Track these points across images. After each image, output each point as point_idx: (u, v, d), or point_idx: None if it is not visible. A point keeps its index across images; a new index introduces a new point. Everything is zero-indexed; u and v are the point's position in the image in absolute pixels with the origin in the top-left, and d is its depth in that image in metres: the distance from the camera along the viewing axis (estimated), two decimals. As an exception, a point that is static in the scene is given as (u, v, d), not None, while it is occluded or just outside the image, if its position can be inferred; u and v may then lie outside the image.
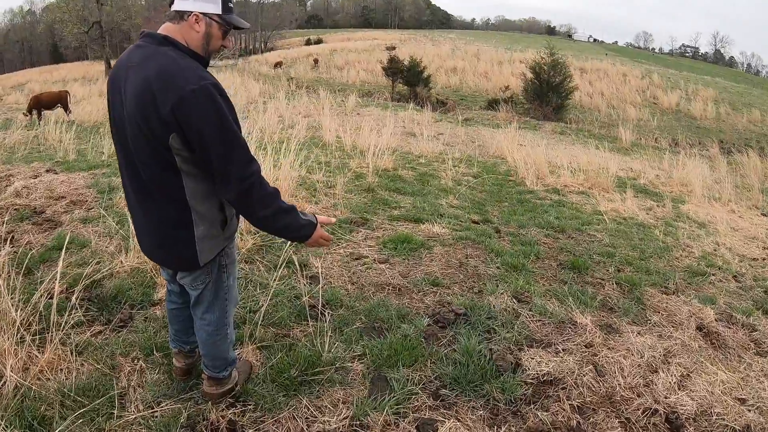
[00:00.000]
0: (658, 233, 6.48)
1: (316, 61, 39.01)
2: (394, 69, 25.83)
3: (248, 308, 3.64)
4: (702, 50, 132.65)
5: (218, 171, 2.04)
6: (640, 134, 19.58)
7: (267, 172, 5.57)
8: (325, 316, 3.59)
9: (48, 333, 2.95)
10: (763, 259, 6.18)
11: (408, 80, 25.63)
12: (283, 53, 49.58)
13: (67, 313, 3.15)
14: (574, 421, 2.81)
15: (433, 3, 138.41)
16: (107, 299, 3.63)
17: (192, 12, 2.10)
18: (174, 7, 2.11)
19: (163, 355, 3.05)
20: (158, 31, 2.13)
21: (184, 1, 2.10)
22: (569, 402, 2.95)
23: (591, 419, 2.86)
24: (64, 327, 3.05)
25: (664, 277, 5.04)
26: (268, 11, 79.12)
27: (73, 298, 3.30)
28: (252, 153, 2.13)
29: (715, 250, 6.23)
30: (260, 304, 3.65)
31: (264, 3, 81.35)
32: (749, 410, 3.06)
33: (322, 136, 10.76)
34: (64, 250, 3.42)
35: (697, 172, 10.17)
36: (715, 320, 4.19)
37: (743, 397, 3.19)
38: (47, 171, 7.08)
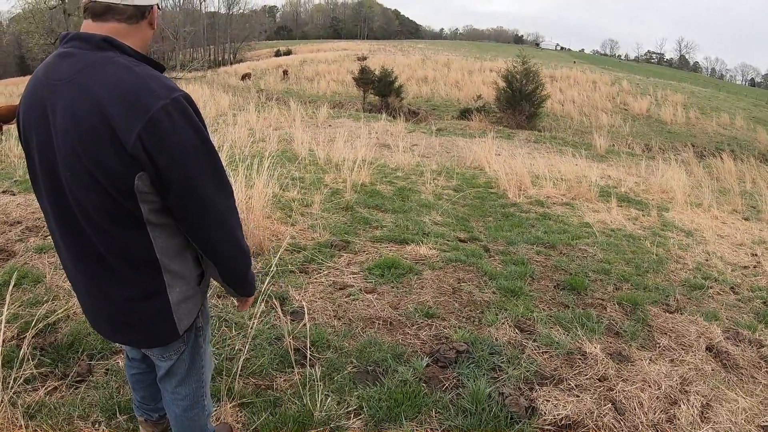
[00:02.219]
0: (648, 245, 6.30)
1: (285, 72, 38.66)
2: (365, 79, 25.59)
3: (224, 355, 3.22)
4: (667, 56, 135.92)
5: (208, 215, 1.59)
6: (614, 140, 19.62)
7: (240, 191, 5.16)
8: (311, 361, 3.22)
9: (-7, 392, 2.53)
10: (754, 267, 6.14)
11: (379, 90, 25.40)
12: (252, 65, 49.14)
13: (16, 366, 2.74)
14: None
15: (402, 14, 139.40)
16: (63, 348, 3.17)
17: (152, 6, 1.61)
18: (131, 1, 1.55)
19: (128, 417, 2.63)
20: (90, 31, 1.54)
21: None
22: (593, 448, 2.68)
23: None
24: (13, 385, 2.63)
25: (664, 293, 4.87)
26: (237, 22, 78.54)
27: (24, 347, 2.88)
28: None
29: (707, 260, 6.13)
30: (237, 349, 3.25)
31: (233, 14, 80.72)
32: None
33: (294, 150, 10.40)
34: (11, 288, 3.00)
35: (677, 178, 10.10)
36: (723, 339, 4.06)
37: (766, 424, 3.06)
38: (3, 192, 6.54)
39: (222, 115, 14.94)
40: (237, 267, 1.77)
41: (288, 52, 63.69)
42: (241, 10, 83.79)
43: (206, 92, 21.61)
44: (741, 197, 9.93)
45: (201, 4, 76.49)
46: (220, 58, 70.27)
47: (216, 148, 1.60)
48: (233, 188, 1.83)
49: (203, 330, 1.94)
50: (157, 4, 1.66)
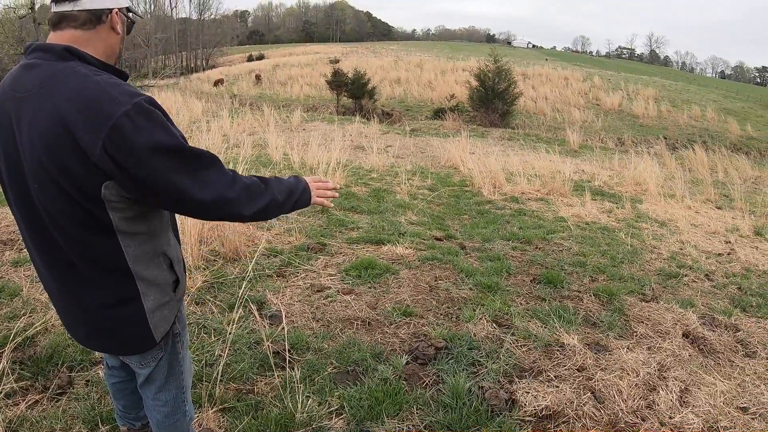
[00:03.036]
0: (623, 236, 6.37)
1: (258, 77, 38.43)
2: (338, 82, 25.55)
3: (204, 361, 3.18)
4: (638, 51, 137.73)
5: (191, 207, 1.54)
6: (587, 136, 19.82)
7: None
8: (291, 363, 3.18)
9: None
10: (728, 254, 6.26)
11: (353, 93, 25.37)
12: (225, 70, 48.78)
13: (-3, 381, 2.67)
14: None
15: (374, 15, 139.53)
16: (42, 361, 3.09)
17: (111, 9, 1.54)
18: (81, 6, 1.50)
19: (111, 427, 2.57)
20: (52, 41, 1.52)
21: None
22: (574, 437, 2.70)
23: (600, 454, 2.62)
24: (-7, 400, 2.56)
25: (640, 283, 4.94)
26: (209, 28, 77.85)
27: (3, 361, 2.81)
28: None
29: (681, 249, 6.21)
30: (217, 354, 3.21)
31: (204, 20, 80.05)
32: (753, 419, 2.97)
33: (269, 154, 10.32)
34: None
35: (650, 170, 10.22)
36: (700, 325, 4.13)
37: (744, 405, 3.09)
38: (-28, 205, 6.40)
39: (195, 122, 14.75)
40: (259, 214, 1.71)
41: (260, 57, 63.38)
42: (212, 16, 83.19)
43: (179, 99, 21.32)
44: (713, 187, 10.08)
45: (172, 10, 75.89)
46: (192, 65, 69.67)
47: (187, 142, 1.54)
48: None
49: (180, 336, 1.91)
50: (126, 8, 1.62)
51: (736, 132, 26.11)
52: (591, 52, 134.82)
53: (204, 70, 59.66)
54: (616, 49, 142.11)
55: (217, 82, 37.07)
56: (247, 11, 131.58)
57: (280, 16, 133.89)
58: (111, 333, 1.71)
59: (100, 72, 1.48)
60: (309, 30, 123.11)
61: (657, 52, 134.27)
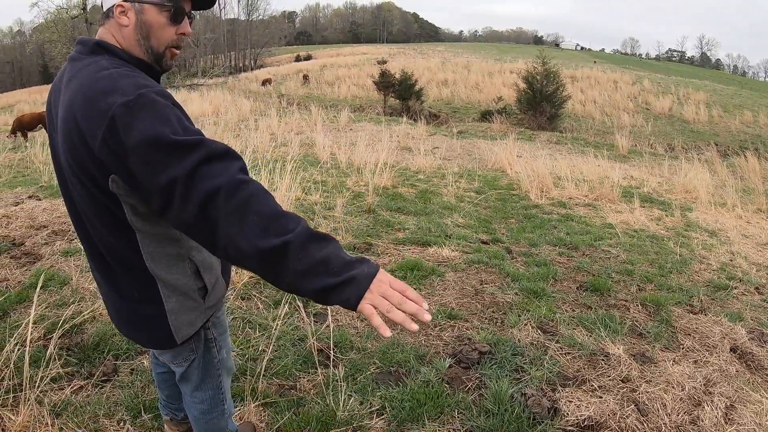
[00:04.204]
0: (672, 245, 6.25)
1: (305, 77, 38.76)
2: (385, 83, 25.58)
3: (248, 356, 3.26)
4: (689, 54, 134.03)
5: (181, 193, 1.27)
6: (636, 140, 19.40)
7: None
8: (335, 361, 3.24)
9: (22, 390, 2.60)
10: None
11: (400, 94, 25.37)
12: (272, 70, 49.43)
13: (43, 365, 2.80)
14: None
15: (420, 17, 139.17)
16: (88, 348, 3.23)
17: (114, 3, 1.49)
18: (104, 4, 1.53)
19: (153, 416, 2.67)
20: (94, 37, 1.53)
21: None
22: (615, 450, 2.67)
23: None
24: (39, 384, 2.70)
25: (688, 294, 4.82)
26: (257, 28, 79.07)
27: (51, 347, 2.93)
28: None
29: (731, 260, 6.05)
30: (261, 349, 3.29)
31: (252, 20, 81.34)
32: None
33: (316, 154, 10.48)
34: (38, 290, 3.05)
35: (701, 178, 9.99)
36: (748, 339, 4.02)
37: None
38: (30, 197, 6.70)
39: (244, 120, 15.04)
40: (270, 254, 1.23)
41: (308, 57, 63.96)
42: (260, 17, 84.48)
43: (228, 98, 21.79)
44: (766, 196, 9.80)
45: (221, 11, 77.29)
46: (240, 64, 70.86)
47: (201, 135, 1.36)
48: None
49: (216, 341, 1.88)
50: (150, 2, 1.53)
51: (790, 138, 25.23)
52: (640, 55, 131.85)
53: (252, 69, 60.57)
54: (666, 52, 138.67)
55: (265, 82, 37.55)
56: (294, 12, 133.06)
57: (327, 17, 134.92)
58: (137, 327, 1.72)
59: (120, 65, 1.45)
60: (356, 31, 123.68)
61: (708, 54, 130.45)
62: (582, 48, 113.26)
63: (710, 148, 18.89)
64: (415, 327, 1.25)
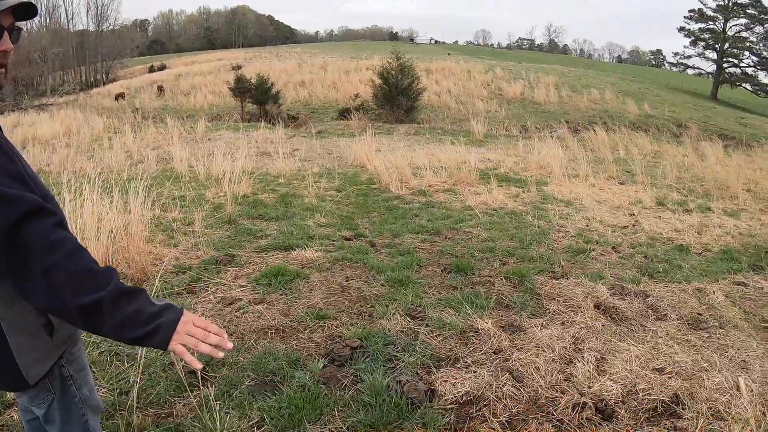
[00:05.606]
0: (530, 218, 6.52)
1: (160, 88, 37.06)
2: (241, 88, 24.95)
3: (118, 390, 2.98)
4: (538, 41, 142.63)
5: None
6: (491, 125, 20.22)
7: (116, 217, 4.80)
8: (208, 381, 3.06)
9: None
10: (633, 225, 6.57)
11: (257, 98, 24.84)
12: (126, 83, 46.72)
13: None
14: (509, 437, 2.59)
15: (276, 19, 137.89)
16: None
17: None
18: None
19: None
20: None
21: None
22: (497, 419, 2.77)
23: (525, 431, 2.69)
24: None
25: (549, 262, 5.06)
26: (107, 39, 74.13)
27: None
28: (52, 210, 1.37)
29: (588, 225, 6.45)
30: (131, 381, 3.02)
31: (103, 31, 76.23)
32: (670, 378, 3.09)
33: (173, 168, 9.93)
34: None
35: (554, 153, 10.56)
36: (610, 295, 4.29)
37: (660, 366, 3.22)
38: None
39: (97, 140, 14.08)
40: (86, 311, 1.33)
41: (162, 67, 61.24)
42: (111, 26, 79.42)
43: (80, 117, 20.29)
44: (615, 164, 10.59)
45: (69, 22, 72.01)
46: (92, 79, 66.19)
47: (22, 182, 1.35)
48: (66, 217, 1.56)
49: (74, 378, 1.74)
50: None
51: (634, 111, 27.66)
52: (492, 45, 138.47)
53: (104, 84, 56.80)
54: (517, 41, 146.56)
55: (119, 96, 35.46)
56: (147, 20, 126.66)
57: (181, 24, 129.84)
58: None
59: None
60: (211, 37, 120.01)
61: (556, 41, 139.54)
62: (436, 42, 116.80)
63: (562, 126, 20.16)
64: (221, 354, 1.45)
